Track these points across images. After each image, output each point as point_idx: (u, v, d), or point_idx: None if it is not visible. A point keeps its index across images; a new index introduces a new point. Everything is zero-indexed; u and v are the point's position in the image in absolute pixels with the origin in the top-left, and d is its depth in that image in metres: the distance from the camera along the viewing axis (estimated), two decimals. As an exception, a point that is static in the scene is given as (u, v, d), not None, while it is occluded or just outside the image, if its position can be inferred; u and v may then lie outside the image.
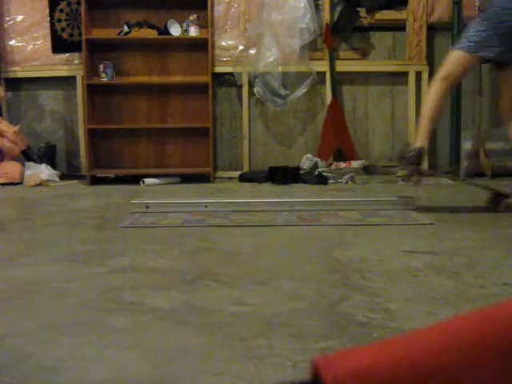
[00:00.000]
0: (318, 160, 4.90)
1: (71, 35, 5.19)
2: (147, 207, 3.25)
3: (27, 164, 4.95)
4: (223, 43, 5.16)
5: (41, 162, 5.01)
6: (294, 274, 1.97)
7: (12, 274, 2.01)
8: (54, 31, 5.16)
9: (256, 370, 1.18)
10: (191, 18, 4.92)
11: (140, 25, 4.93)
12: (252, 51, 5.11)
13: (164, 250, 2.37)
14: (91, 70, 4.95)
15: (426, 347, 0.50)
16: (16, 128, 4.95)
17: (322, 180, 4.62)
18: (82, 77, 4.98)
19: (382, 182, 4.59)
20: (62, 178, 5.04)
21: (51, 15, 5.15)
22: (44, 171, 4.88)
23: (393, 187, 4.24)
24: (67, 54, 5.21)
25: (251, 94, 5.17)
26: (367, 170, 5.03)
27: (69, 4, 5.15)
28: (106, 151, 5.17)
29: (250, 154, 5.25)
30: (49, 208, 3.56)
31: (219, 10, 5.12)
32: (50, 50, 5.19)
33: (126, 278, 1.94)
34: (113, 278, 1.92)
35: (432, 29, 5.25)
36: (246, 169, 5.21)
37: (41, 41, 5.21)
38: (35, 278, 1.94)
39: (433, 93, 3.18)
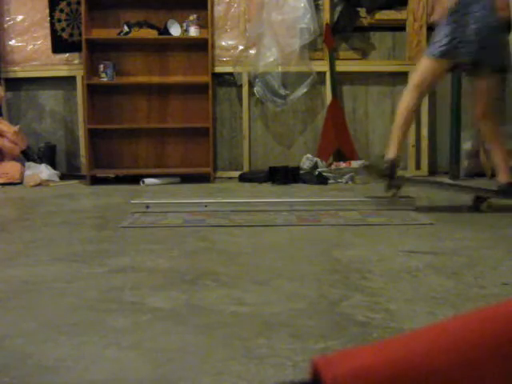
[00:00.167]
0: (318, 160, 4.90)
1: (71, 35, 5.19)
2: (147, 207, 3.25)
3: (27, 164, 4.95)
4: (223, 43, 5.16)
5: (41, 162, 5.01)
6: (294, 274, 1.97)
7: (12, 274, 2.01)
8: (53, 31, 5.16)
9: (256, 369, 1.18)
10: (191, 17, 4.92)
11: (140, 25, 4.93)
12: (252, 51, 5.11)
13: (164, 249, 2.37)
14: (91, 70, 4.95)
15: (426, 347, 0.50)
16: (16, 128, 4.95)
17: (321, 180, 4.62)
18: (82, 77, 4.98)
19: (381, 182, 4.58)
20: (62, 177, 5.04)
21: (51, 15, 5.15)
22: (44, 171, 4.88)
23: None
24: (67, 54, 5.21)
25: (251, 94, 5.17)
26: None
27: (69, 4, 5.15)
28: (106, 151, 5.17)
29: (250, 154, 5.25)
30: (49, 208, 3.56)
31: (219, 10, 5.12)
32: (49, 50, 5.19)
33: (126, 278, 1.94)
34: (113, 278, 1.92)
35: (432, 29, 5.24)
36: (245, 169, 5.21)
37: (41, 41, 5.20)
38: (35, 277, 1.94)
39: (406, 102, 3.17)
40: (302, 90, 5.07)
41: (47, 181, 4.79)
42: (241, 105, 5.22)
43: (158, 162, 5.20)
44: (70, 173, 5.24)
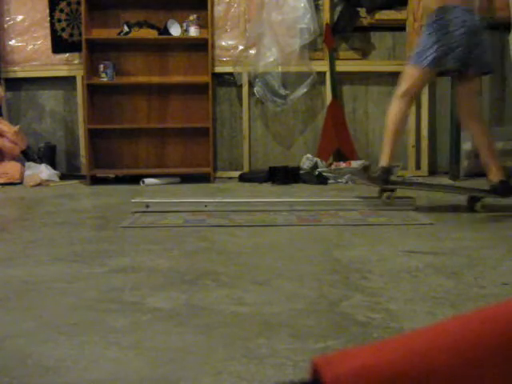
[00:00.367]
0: (318, 160, 4.90)
1: (71, 35, 5.19)
2: (147, 206, 3.25)
3: (27, 164, 4.95)
4: (223, 43, 5.16)
5: (41, 162, 5.01)
6: (294, 273, 1.97)
7: (12, 273, 2.01)
8: (54, 31, 5.16)
9: (256, 369, 1.18)
10: (191, 18, 4.91)
11: (140, 25, 4.93)
12: (252, 51, 5.11)
13: (164, 249, 2.37)
14: (91, 70, 4.95)
15: (426, 346, 0.50)
16: (16, 128, 4.95)
17: (322, 180, 4.62)
18: (82, 77, 4.98)
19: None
20: (62, 177, 5.03)
21: (51, 15, 5.14)
22: (44, 171, 4.88)
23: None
24: (67, 54, 5.21)
25: (251, 94, 5.17)
26: (367, 169, 5.03)
27: (69, 4, 5.15)
28: (106, 151, 5.17)
29: (250, 154, 5.25)
30: (49, 208, 3.56)
31: (219, 10, 5.12)
32: (50, 50, 5.19)
33: (126, 278, 1.94)
34: (113, 278, 1.92)
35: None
36: (246, 169, 5.21)
37: (41, 41, 5.20)
38: (35, 277, 1.94)
39: (394, 111, 3.20)
40: (302, 90, 5.07)
41: (47, 181, 4.79)
42: (241, 105, 5.22)
43: (158, 162, 5.20)
44: (70, 173, 5.24)
